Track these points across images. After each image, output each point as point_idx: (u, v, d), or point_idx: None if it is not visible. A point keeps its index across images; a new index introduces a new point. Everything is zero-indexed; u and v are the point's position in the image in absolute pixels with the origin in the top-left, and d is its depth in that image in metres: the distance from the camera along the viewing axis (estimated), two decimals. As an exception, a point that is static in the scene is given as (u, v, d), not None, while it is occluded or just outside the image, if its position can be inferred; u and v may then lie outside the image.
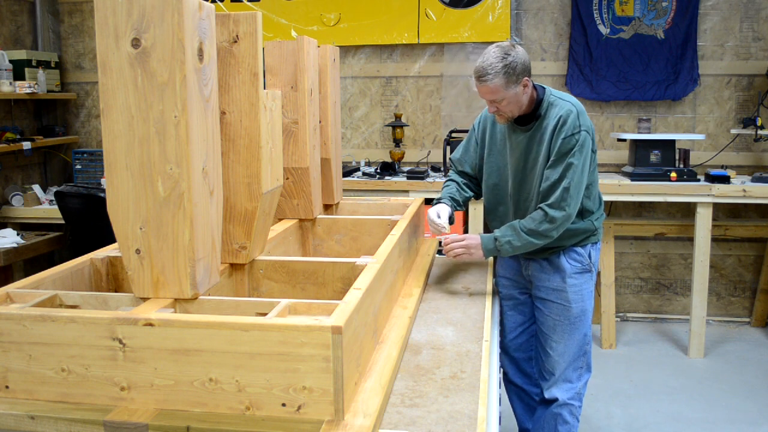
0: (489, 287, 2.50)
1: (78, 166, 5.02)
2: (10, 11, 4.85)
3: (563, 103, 2.30)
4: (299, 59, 2.36)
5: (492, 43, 4.75)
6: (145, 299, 1.57)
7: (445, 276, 2.68)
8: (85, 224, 3.78)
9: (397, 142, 4.71)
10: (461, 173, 2.66)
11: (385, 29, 4.85)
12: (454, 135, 4.56)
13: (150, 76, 1.46)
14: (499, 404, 2.17)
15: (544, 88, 2.37)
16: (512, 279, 2.62)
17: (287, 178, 2.46)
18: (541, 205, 2.29)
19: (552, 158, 2.28)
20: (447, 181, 2.67)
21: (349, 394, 1.43)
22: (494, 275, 2.75)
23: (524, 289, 2.60)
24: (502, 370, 2.80)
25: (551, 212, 2.26)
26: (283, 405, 1.37)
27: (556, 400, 2.48)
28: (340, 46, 3.87)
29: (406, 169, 4.67)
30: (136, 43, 1.45)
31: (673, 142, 4.24)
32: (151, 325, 1.39)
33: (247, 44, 1.79)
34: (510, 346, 2.72)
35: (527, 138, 2.35)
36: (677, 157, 4.29)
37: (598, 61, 4.63)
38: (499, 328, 2.65)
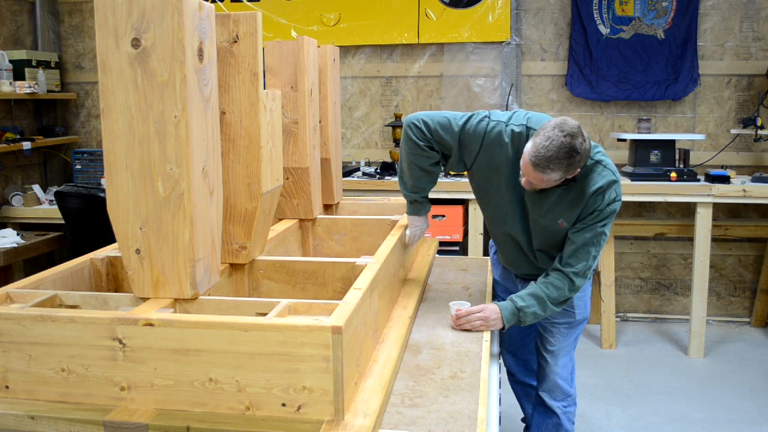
0: (489, 287, 2.50)
1: (78, 166, 5.02)
2: (10, 11, 4.85)
3: (605, 171, 2.09)
4: (299, 59, 2.36)
5: (492, 43, 4.81)
6: (145, 299, 1.57)
7: (445, 276, 2.67)
8: (85, 224, 3.78)
9: (397, 142, 4.71)
10: (435, 155, 2.24)
11: (385, 29, 4.84)
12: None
13: (150, 76, 1.46)
14: (499, 404, 2.17)
15: None
16: (507, 289, 2.58)
17: (287, 178, 2.46)
18: (567, 271, 2.13)
19: (582, 224, 2.11)
20: (426, 164, 2.24)
21: (349, 394, 1.43)
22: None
23: None
24: (507, 372, 2.81)
25: (578, 281, 2.14)
26: (283, 405, 1.38)
27: (553, 411, 2.49)
28: (340, 46, 3.88)
29: (406, 169, 4.66)
30: (136, 43, 1.45)
31: (673, 142, 4.23)
32: (151, 325, 1.39)
33: (247, 44, 1.79)
34: (517, 351, 2.74)
35: (555, 196, 2.11)
36: (677, 157, 4.29)
37: (598, 61, 4.63)
38: (501, 336, 2.66)
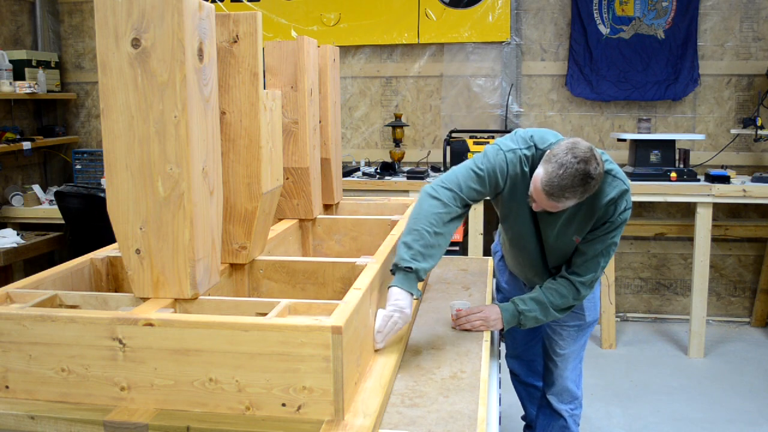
0: (489, 287, 2.50)
1: (78, 166, 5.02)
2: (10, 11, 4.85)
3: (615, 181, 2.03)
4: (299, 59, 2.36)
5: (492, 43, 4.81)
6: (145, 299, 1.57)
7: (445, 276, 2.67)
8: (85, 224, 3.78)
9: (397, 142, 4.71)
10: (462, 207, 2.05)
11: (385, 29, 4.84)
12: (454, 135, 4.56)
13: (150, 76, 1.46)
14: (499, 404, 2.17)
15: None
16: (514, 293, 2.55)
17: (287, 178, 2.46)
18: (573, 280, 2.11)
19: (593, 235, 2.08)
20: (440, 215, 1.96)
21: (349, 394, 1.43)
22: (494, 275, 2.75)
23: None
24: (510, 372, 2.81)
25: (583, 291, 2.12)
26: (283, 405, 1.37)
27: (561, 414, 2.49)
28: (340, 46, 3.87)
29: (406, 169, 4.67)
30: (136, 43, 1.45)
31: (673, 142, 4.23)
32: (151, 325, 1.39)
33: (247, 44, 1.79)
34: (522, 355, 2.74)
35: (567, 214, 2.06)
36: (677, 157, 4.29)
37: (598, 61, 4.63)
38: (506, 340, 2.66)
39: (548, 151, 1.94)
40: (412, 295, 1.85)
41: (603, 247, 2.09)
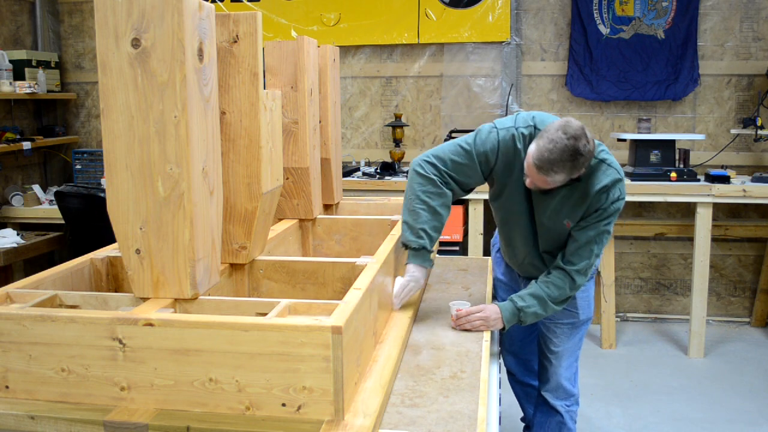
0: (489, 287, 2.50)
1: (78, 166, 5.02)
2: (10, 11, 4.85)
3: (609, 170, 2.08)
4: (299, 59, 2.36)
5: (492, 43, 4.81)
6: (145, 299, 1.57)
7: (445, 276, 2.67)
8: (85, 224, 3.78)
9: (397, 142, 4.71)
10: (447, 185, 2.17)
11: (385, 29, 4.84)
12: (454, 135, 4.56)
13: (150, 76, 1.46)
14: (499, 404, 2.17)
15: None
16: (511, 287, 2.56)
17: (287, 178, 2.46)
18: (568, 269, 2.13)
19: (585, 222, 2.10)
20: (427, 197, 2.13)
21: (349, 394, 1.43)
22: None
23: None
24: (507, 372, 2.81)
25: (579, 279, 2.14)
26: (283, 405, 1.38)
27: (557, 410, 2.50)
28: (340, 46, 3.87)
29: (406, 169, 4.67)
30: (136, 43, 1.45)
31: (673, 142, 4.24)
32: (151, 325, 1.39)
33: (247, 44, 1.79)
34: (518, 352, 2.74)
35: (560, 197, 2.10)
36: (677, 157, 4.29)
37: (598, 61, 4.63)
38: (502, 337, 2.66)
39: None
40: (425, 267, 2.14)
41: (595, 234, 2.11)
